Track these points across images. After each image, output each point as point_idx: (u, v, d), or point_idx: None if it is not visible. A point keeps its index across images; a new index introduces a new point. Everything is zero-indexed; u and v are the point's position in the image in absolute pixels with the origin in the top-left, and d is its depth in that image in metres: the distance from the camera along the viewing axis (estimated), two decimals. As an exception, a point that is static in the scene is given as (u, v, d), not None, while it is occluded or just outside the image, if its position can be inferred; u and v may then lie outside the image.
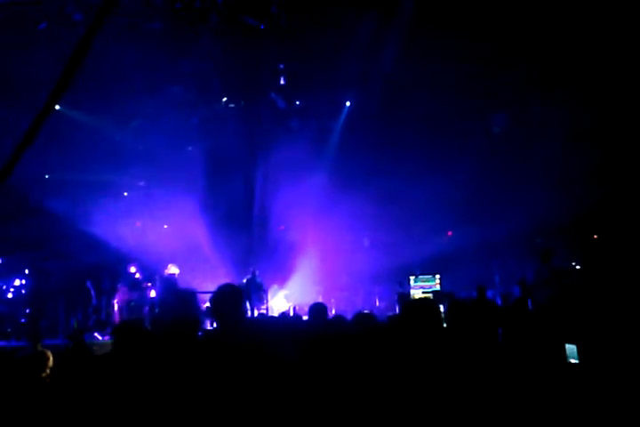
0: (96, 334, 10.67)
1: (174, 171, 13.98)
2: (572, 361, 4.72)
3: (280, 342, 3.61)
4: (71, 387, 3.00)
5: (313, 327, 4.08)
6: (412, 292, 13.16)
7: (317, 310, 4.29)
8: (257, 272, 12.72)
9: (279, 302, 13.27)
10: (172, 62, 12.48)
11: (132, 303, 11.36)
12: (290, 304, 13.09)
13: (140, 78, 12.20)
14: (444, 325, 3.39)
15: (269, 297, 12.88)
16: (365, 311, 4.02)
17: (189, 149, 14.76)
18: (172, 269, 11.52)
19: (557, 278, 8.58)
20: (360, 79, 13.68)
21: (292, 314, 9.63)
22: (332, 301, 13.11)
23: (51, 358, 4.22)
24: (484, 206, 13.22)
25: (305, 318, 5.43)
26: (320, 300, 11.70)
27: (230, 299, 3.19)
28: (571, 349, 4.76)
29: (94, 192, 13.76)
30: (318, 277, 14.00)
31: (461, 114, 13.23)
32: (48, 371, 4.12)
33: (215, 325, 3.16)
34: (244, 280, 12.60)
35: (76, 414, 2.84)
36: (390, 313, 11.24)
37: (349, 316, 4.51)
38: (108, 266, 12.39)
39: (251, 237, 15.18)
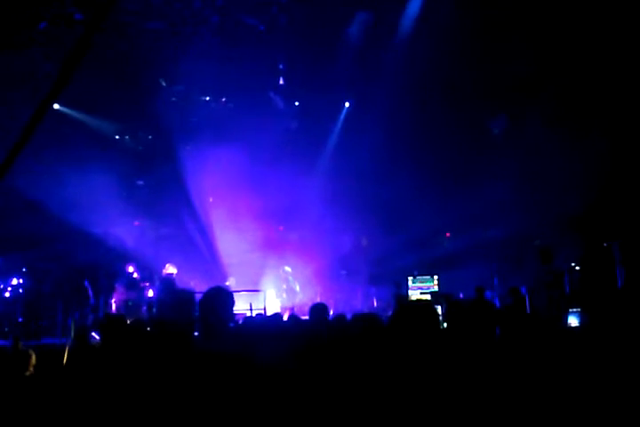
0: (93, 334, 10.63)
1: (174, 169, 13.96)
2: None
3: (272, 345, 3.58)
4: (58, 386, 2.96)
5: (313, 328, 4.06)
6: (409, 293, 13.12)
7: (318, 310, 4.26)
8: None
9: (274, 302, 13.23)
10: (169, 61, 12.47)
11: (130, 303, 11.34)
12: (280, 305, 13.06)
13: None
14: (443, 325, 3.38)
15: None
16: (368, 313, 3.99)
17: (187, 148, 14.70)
18: (170, 269, 11.49)
19: (557, 279, 8.58)
20: (359, 80, 13.68)
21: (290, 314, 9.57)
22: (331, 301, 13.08)
23: (33, 357, 4.18)
24: (483, 207, 13.20)
25: (304, 318, 5.40)
26: (318, 301, 11.68)
27: (218, 302, 3.15)
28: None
29: (92, 190, 13.70)
30: (316, 278, 13.97)
31: (460, 116, 13.21)
32: (32, 369, 4.09)
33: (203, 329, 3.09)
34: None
35: (62, 413, 2.81)
36: (388, 314, 11.23)
37: (348, 316, 4.48)
38: (105, 265, 12.35)
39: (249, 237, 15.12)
